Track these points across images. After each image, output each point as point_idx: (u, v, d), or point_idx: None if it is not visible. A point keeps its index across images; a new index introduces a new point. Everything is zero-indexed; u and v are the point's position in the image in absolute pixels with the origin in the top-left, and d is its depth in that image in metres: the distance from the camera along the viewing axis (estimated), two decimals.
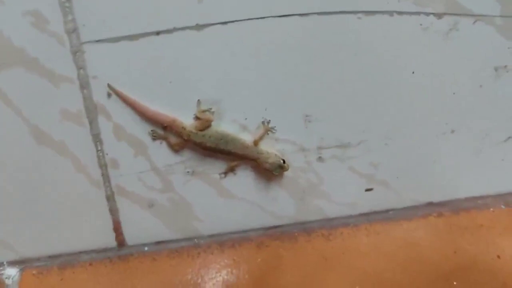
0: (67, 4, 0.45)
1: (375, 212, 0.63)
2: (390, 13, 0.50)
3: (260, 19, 0.49)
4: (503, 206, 0.64)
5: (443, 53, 0.54)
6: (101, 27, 0.47)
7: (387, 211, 0.63)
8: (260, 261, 0.61)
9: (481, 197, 0.64)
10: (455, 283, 0.59)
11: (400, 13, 0.51)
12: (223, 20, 0.48)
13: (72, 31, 0.46)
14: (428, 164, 0.61)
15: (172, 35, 0.48)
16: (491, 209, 0.64)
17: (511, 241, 0.61)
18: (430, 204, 0.63)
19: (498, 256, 0.61)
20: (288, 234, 0.62)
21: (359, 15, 0.50)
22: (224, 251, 0.61)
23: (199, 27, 0.48)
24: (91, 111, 0.51)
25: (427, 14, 0.51)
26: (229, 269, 0.60)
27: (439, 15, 0.51)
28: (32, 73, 0.48)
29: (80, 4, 0.45)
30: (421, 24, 0.52)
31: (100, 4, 0.46)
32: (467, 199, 0.64)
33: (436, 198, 0.63)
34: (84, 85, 0.50)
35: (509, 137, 0.60)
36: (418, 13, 0.51)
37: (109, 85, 0.50)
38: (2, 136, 0.52)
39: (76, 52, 0.47)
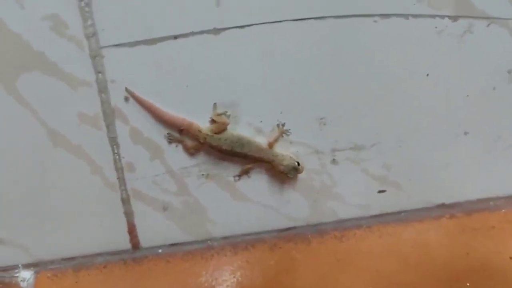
0: (86, 9, 0.45)
1: (388, 214, 0.63)
2: (406, 16, 0.51)
3: (276, 23, 0.49)
4: None
5: (457, 55, 0.54)
6: (120, 32, 0.47)
7: (399, 212, 0.63)
8: (273, 263, 0.61)
9: (493, 199, 0.64)
10: (468, 284, 0.59)
11: (415, 16, 0.51)
12: (240, 24, 0.48)
13: (92, 36, 0.46)
14: (441, 166, 0.61)
15: (190, 39, 0.49)
16: (503, 210, 0.64)
17: None
18: (442, 205, 0.63)
19: (511, 258, 0.61)
20: (301, 236, 0.63)
21: (375, 18, 0.50)
22: (238, 253, 0.61)
23: (216, 31, 0.48)
24: (109, 115, 0.52)
25: (442, 17, 0.51)
26: (243, 271, 0.61)
27: (454, 18, 0.52)
28: (50, 77, 0.48)
29: (100, 9, 0.46)
30: (436, 27, 0.52)
31: (119, 9, 0.46)
32: (479, 201, 0.64)
33: (448, 200, 0.63)
34: (102, 89, 0.50)
35: None
36: (433, 16, 0.51)
37: (127, 89, 0.51)
38: (19, 138, 0.52)
39: (95, 57, 0.48)
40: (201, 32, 0.48)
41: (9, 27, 0.45)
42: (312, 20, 0.49)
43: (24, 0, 0.44)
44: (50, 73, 0.48)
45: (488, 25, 0.53)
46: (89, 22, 0.46)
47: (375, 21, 0.51)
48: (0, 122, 0.50)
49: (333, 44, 0.52)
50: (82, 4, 0.45)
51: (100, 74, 0.49)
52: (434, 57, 0.54)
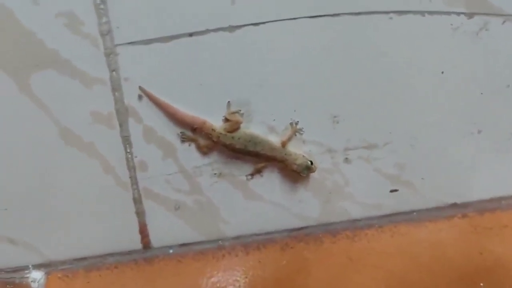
0: (102, 6, 0.45)
1: (400, 213, 0.63)
2: (422, 13, 0.50)
3: (291, 20, 0.49)
4: None
5: (471, 53, 0.54)
6: (135, 29, 0.47)
7: (411, 212, 0.63)
8: (285, 263, 0.61)
9: (505, 198, 0.64)
10: (481, 284, 0.59)
11: (431, 13, 0.51)
12: (255, 22, 0.48)
13: (106, 33, 0.46)
14: (453, 164, 0.61)
15: (205, 37, 0.48)
16: None
17: None
18: (455, 205, 0.63)
19: None
20: (313, 236, 0.62)
21: (391, 15, 0.50)
22: (249, 253, 0.61)
23: (231, 28, 0.48)
24: (122, 113, 0.51)
25: (458, 14, 0.51)
26: (254, 271, 0.60)
27: (470, 15, 0.51)
28: (64, 75, 0.48)
29: (115, 6, 0.45)
30: (451, 24, 0.52)
31: (134, 6, 0.46)
32: (491, 200, 0.64)
33: (460, 199, 0.63)
34: (116, 87, 0.50)
35: None
36: (449, 13, 0.51)
37: (140, 88, 0.50)
38: (32, 137, 0.52)
39: (110, 54, 0.47)
40: (217, 30, 0.48)
41: (22, 23, 0.45)
42: (328, 17, 0.49)
43: None
44: (63, 71, 0.48)
45: (504, 22, 0.52)
46: (104, 20, 0.46)
47: (390, 18, 0.50)
48: (12, 120, 0.50)
49: (348, 42, 0.52)
50: (98, 1, 0.45)
51: (114, 72, 0.49)
52: (449, 54, 0.54)
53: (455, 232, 0.63)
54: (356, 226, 0.63)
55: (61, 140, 0.52)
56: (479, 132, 0.59)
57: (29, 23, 0.45)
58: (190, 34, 0.48)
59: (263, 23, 0.48)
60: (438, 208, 0.63)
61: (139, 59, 0.48)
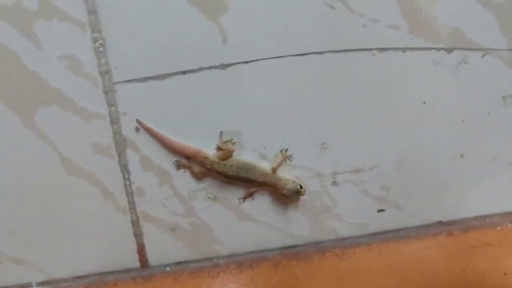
0: (101, 49, 0.48)
1: (387, 232, 0.65)
2: (403, 49, 0.53)
3: (279, 58, 0.51)
4: (510, 225, 0.67)
5: (453, 84, 0.57)
6: (132, 69, 0.50)
7: (398, 230, 0.66)
8: (277, 281, 0.64)
9: (489, 216, 0.66)
10: None
11: (412, 49, 0.53)
12: (245, 60, 0.51)
13: (105, 73, 0.49)
14: (438, 185, 0.64)
15: (198, 74, 0.51)
16: (499, 227, 0.66)
17: None
18: (440, 223, 0.66)
19: (505, 273, 0.63)
20: (303, 254, 0.65)
21: (374, 52, 0.53)
22: (243, 271, 0.64)
23: (223, 66, 0.51)
24: (120, 144, 0.54)
25: (438, 49, 0.54)
26: None
27: (449, 50, 0.54)
28: (66, 111, 0.51)
29: (113, 48, 0.48)
30: (432, 59, 0.54)
31: (131, 48, 0.49)
32: (475, 218, 0.66)
33: (446, 217, 0.66)
34: (114, 121, 0.52)
35: None
36: (429, 49, 0.54)
37: (138, 121, 0.53)
38: (35, 167, 0.54)
39: (108, 92, 0.50)
40: (209, 68, 0.51)
41: (27, 66, 0.48)
42: (314, 54, 0.52)
43: (41, 42, 0.47)
44: (66, 107, 0.50)
45: (483, 56, 0.55)
46: (103, 61, 0.48)
47: (373, 55, 0.53)
48: (18, 152, 0.53)
49: (334, 76, 0.54)
50: (97, 44, 0.48)
51: (112, 107, 0.52)
52: (431, 86, 0.56)
53: (440, 249, 0.65)
54: (344, 244, 0.65)
55: (64, 170, 0.54)
56: (462, 156, 0.62)
57: (33, 65, 0.47)
58: (184, 72, 0.51)
59: (253, 61, 0.51)
60: (424, 226, 0.66)
61: (136, 95, 0.51)
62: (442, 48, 0.54)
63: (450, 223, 0.66)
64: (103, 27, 0.47)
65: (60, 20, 0.46)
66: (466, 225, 0.66)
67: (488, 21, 0.53)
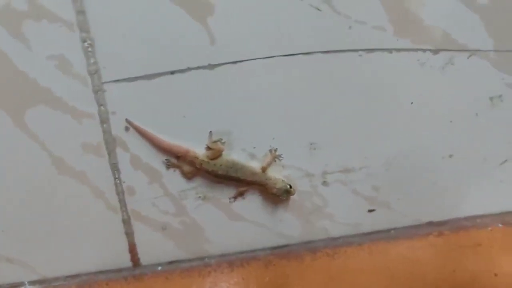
0: (90, 49, 0.48)
1: (378, 232, 0.66)
2: (389, 50, 0.54)
3: (267, 58, 0.52)
4: (500, 225, 0.66)
5: (439, 85, 0.57)
6: (120, 68, 0.50)
7: (389, 230, 0.66)
8: (268, 280, 0.64)
9: (479, 217, 0.66)
10: None
11: (398, 50, 0.54)
12: (233, 60, 0.52)
13: (94, 73, 0.50)
14: (428, 186, 0.64)
15: (186, 74, 0.52)
16: (489, 228, 0.66)
17: (508, 259, 0.64)
18: (431, 223, 0.66)
19: (495, 274, 0.63)
20: (294, 253, 0.65)
21: (360, 52, 0.53)
22: (234, 270, 0.64)
23: (211, 66, 0.52)
24: (110, 143, 0.55)
25: (424, 50, 0.54)
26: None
27: (435, 51, 0.55)
28: (56, 110, 0.51)
29: (102, 48, 0.49)
30: (418, 60, 0.55)
31: (120, 48, 0.49)
32: (466, 218, 0.66)
33: (436, 218, 0.66)
34: (104, 120, 0.53)
35: (506, 160, 0.62)
36: (415, 50, 0.54)
37: (127, 120, 0.54)
38: (26, 166, 0.55)
39: (97, 91, 0.51)
40: (197, 68, 0.51)
41: (17, 66, 0.49)
42: (301, 55, 0.52)
43: (31, 42, 0.48)
44: (55, 107, 0.51)
45: (469, 57, 0.56)
46: (92, 61, 0.49)
47: (360, 55, 0.54)
48: (9, 151, 0.53)
49: (322, 76, 0.55)
50: (86, 44, 0.48)
51: (102, 107, 0.52)
52: (418, 86, 0.57)
53: (431, 249, 0.66)
54: (335, 244, 0.66)
55: (54, 169, 0.55)
56: (450, 156, 0.62)
57: (22, 65, 0.48)
58: (172, 72, 0.51)
59: (241, 61, 0.52)
60: (414, 227, 0.66)
61: (125, 94, 0.52)
62: (428, 49, 0.54)
63: (441, 223, 0.66)
64: (92, 28, 0.48)
65: (49, 20, 0.47)
66: (456, 226, 0.66)
67: (473, 22, 0.53)
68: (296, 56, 0.52)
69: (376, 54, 0.53)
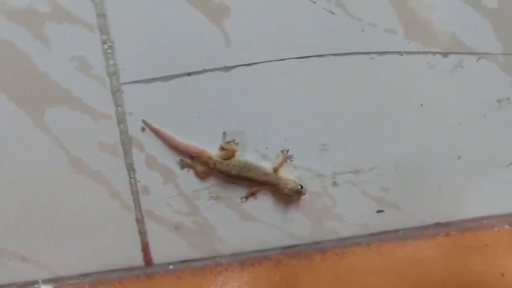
0: (109, 51, 0.50)
1: (386, 232, 0.67)
2: (400, 53, 0.55)
3: (281, 61, 0.53)
4: (507, 226, 0.67)
5: (449, 87, 0.58)
6: (139, 70, 0.51)
7: (397, 231, 0.67)
8: (278, 279, 0.65)
9: (486, 218, 0.67)
10: None
11: (409, 53, 0.55)
12: (248, 62, 0.53)
13: (113, 74, 0.51)
14: (436, 187, 0.65)
15: (202, 76, 0.53)
16: (496, 228, 0.67)
17: None
18: (438, 224, 0.67)
19: (502, 274, 0.64)
20: (304, 253, 0.66)
21: (372, 55, 0.54)
22: (244, 270, 0.65)
23: (226, 68, 0.53)
24: (126, 143, 0.56)
25: (434, 53, 0.56)
26: (249, 287, 0.63)
27: (445, 54, 0.56)
28: (75, 111, 0.52)
29: (121, 50, 0.50)
30: (428, 62, 0.56)
31: (138, 50, 0.51)
32: (473, 220, 0.67)
33: (443, 219, 0.67)
34: (121, 120, 0.54)
35: None
36: (425, 53, 0.55)
37: (143, 121, 0.55)
38: (44, 165, 0.56)
39: (116, 92, 0.52)
40: (213, 70, 0.53)
41: (38, 67, 0.50)
42: (314, 57, 0.54)
43: (52, 44, 0.49)
44: (74, 107, 0.52)
45: (478, 60, 0.57)
46: (111, 62, 0.50)
47: (372, 58, 0.55)
48: (28, 150, 0.54)
49: (334, 78, 0.56)
50: (106, 46, 0.50)
51: (119, 107, 0.53)
52: (428, 88, 0.58)
53: (438, 250, 0.66)
54: (344, 244, 0.66)
55: (71, 168, 0.56)
56: (459, 158, 0.63)
57: (44, 65, 0.49)
58: (189, 74, 0.52)
59: (255, 63, 0.53)
60: (422, 227, 0.67)
61: (143, 95, 0.53)
62: (438, 52, 0.56)
63: (448, 224, 0.67)
64: (111, 30, 0.49)
65: (70, 22, 0.48)
66: (463, 227, 0.67)
67: (483, 26, 0.55)
68: (309, 58, 0.53)
69: (388, 57, 0.55)
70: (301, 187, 0.60)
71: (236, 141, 0.58)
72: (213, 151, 0.58)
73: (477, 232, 0.67)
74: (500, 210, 0.67)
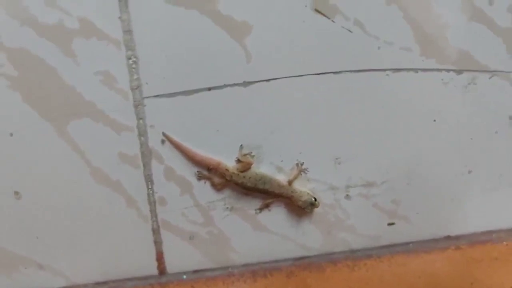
0: (134, 66, 0.51)
1: (397, 245, 0.67)
2: (415, 70, 0.56)
3: (298, 77, 0.54)
4: None
5: (461, 104, 0.59)
6: (161, 84, 0.53)
7: (408, 243, 0.67)
8: None
9: (496, 231, 0.68)
10: None
11: (424, 70, 0.56)
12: (267, 78, 0.54)
13: (136, 88, 0.52)
14: (447, 200, 0.65)
15: (222, 91, 0.54)
16: (505, 242, 0.67)
17: None
18: (448, 237, 0.67)
19: None
20: (316, 265, 0.66)
21: (387, 72, 0.56)
22: (257, 280, 0.65)
23: (246, 84, 0.54)
24: (146, 155, 0.57)
25: (448, 70, 0.57)
26: None
27: (458, 71, 0.57)
28: (98, 123, 0.54)
29: (145, 65, 0.51)
30: (442, 79, 0.57)
31: (162, 65, 0.52)
32: (483, 233, 0.67)
33: (453, 232, 0.67)
34: (142, 133, 0.55)
35: None
36: (440, 70, 0.56)
37: (164, 133, 0.56)
38: (65, 174, 0.57)
39: (138, 105, 0.53)
40: (233, 85, 0.54)
41: (64, 80, 0.51)
42: (331, 74, 0.55)
43: (79, 58, 0.50)
44: (97, 119, 0.54)
45: (491, 77, 0.58)
46: (135, 77, 0.52)
47: (387, 75, 0.56)
48: (50, 160, 0.56)
49: (349, 94, 0.57)
50: (130, 62, 0.51)
51: (141, 120, 0.55)
52: (441, 105, 0.59)
53: (448, 263, 0.67)
54: (355, 256, 0.67)
55: (91, 178, 0.57)
56: (470, 172, 0.64)
57: (70, 79, 0.51)
58: (209, 89, 0.54)
59: (274, 79, 0.54)
60: (432, 240, 0.67)
61: (164, 109, 0.54)
62: (452, 70, 0.57)
63: (458, 237, 0.67)
64: (137, 46, 0.50)
65: (98, 38, 0.49)
66: (473, 240, 0.67)
67: (496, 44, 0.56)
68: (326, 75, 0.55)
69: (403, 74, 0.56)
70: (315, 199, 0.61)
71: (252, 154, 0.59)
72: (229, 163, 0.59)
73: (487, 245, 0.67)
74: (509, 224, 0.68)
